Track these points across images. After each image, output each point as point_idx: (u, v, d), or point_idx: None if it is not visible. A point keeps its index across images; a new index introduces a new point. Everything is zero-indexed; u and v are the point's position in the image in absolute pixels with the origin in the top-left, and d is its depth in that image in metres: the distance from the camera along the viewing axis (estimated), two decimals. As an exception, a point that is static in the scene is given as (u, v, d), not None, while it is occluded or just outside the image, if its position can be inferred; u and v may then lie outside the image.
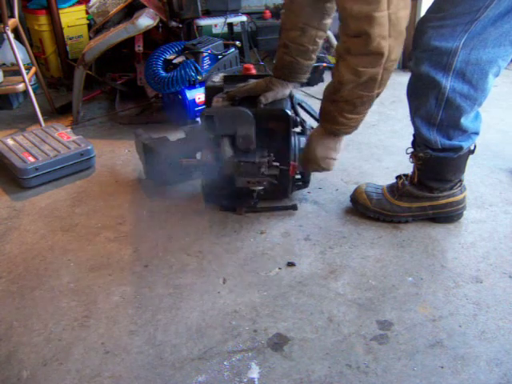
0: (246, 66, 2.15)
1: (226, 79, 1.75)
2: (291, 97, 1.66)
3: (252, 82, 1.64)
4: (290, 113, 1.57)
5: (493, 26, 1.28)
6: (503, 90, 2.79)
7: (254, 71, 2.14)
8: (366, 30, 1.16)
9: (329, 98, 1.38)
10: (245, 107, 1.53)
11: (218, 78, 1.76)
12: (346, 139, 1.49)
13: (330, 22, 1.52)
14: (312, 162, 1.52)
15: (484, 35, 1.30)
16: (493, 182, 1.89)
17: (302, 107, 1.76)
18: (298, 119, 1.68)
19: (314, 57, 1.57)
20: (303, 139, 1.68)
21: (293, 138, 1.65)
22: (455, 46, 1.31)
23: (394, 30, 1.17)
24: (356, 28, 1.18)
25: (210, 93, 1.68)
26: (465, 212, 1.66)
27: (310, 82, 2.60)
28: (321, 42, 1.55)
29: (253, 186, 1.62)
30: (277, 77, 1.60)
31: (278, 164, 1.61)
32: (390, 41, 1.18)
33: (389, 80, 1.29)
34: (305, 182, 1.78)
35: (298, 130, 1.74)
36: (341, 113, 1.36)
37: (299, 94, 2.70)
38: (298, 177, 1.76)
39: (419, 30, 1.37)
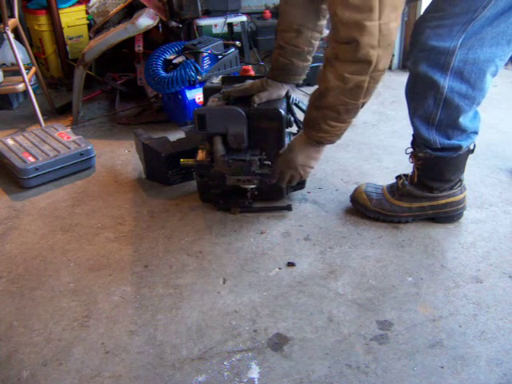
0: (245, 67, 2.16)
1: (225, 80, 1.76)
2: (288, 97, 1.66)
3: (248, 82, 1.65)
4: (283, 113, 1.56)
5: (490, 25, 1.28)
6: (503, 90, 2.79)
7: (252, 72, 2.14)
8: (355, 38, 1.15)
9: (314, 104, 1.37)
10: (238, 106, 1.54)
11: (216, 80, 1.77)
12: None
13: (325, 23, 1.52)
14: (291, 169, 1.52)
15: (481, 35, 1.30)
16: (493, 181, 1.88)
17: (298, 107, 1.76)
18: (293, 119, 1.68)
19: (309, 58, 1.57)
20: None
21: (286, 138, 1.65)
22: (453, 45, 1.31)
23: (383, 41, 1.17)
24: (346, 35, 1.17)
25: (208, 94, 1.68)
26: (465, 212, 1.66)
27: (311, 82, 2.60)
28: (316, 43, 1.54)
29: (243, 184, 1.62)
30: (272, 78, 1.59)
31: (269, 163, 1.61)
32: (379, 51, 1.18)
33: (375, 90, 1.29)
34: (300, 183, 1.77)
35: (293, 130, 1.74)
36: (325, 120, 1.35)
37: (299, 94, 2.70)
38: None
39: (417, 30, 1.37)
